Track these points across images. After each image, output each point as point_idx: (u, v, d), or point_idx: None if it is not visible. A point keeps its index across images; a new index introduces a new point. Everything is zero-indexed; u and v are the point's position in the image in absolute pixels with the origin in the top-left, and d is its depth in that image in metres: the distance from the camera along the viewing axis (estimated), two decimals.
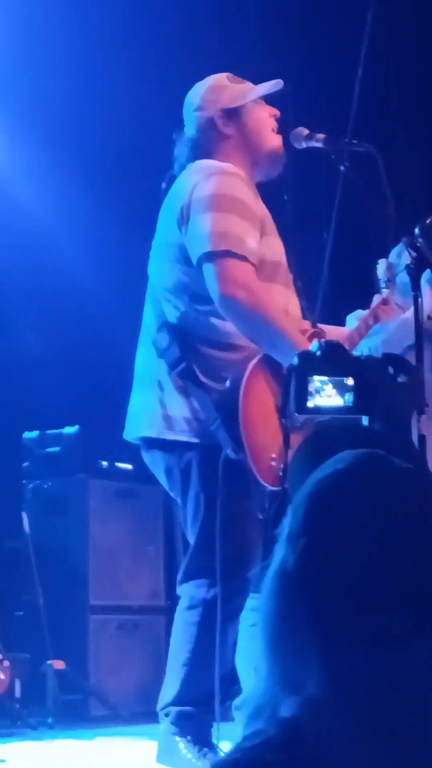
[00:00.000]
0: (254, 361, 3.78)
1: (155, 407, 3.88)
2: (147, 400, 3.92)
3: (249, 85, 4.10)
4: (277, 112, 4.10)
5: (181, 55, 6.28)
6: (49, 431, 6.64)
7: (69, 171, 6.79)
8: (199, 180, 3.88)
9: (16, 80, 6.73)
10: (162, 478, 3.96)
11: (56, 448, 6.60)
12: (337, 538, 1.42)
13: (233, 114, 4.03)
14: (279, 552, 1.46)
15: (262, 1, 6.73)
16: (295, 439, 3.72)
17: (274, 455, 3.74)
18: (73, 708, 6.13)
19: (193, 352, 3.82)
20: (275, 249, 3.96)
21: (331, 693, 1.43)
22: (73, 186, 6.80)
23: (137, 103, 6.64)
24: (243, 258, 3.75)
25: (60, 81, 6.65)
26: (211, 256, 3.74)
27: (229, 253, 3.74)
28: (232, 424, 3.73)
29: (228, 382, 3.77)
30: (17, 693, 5.76)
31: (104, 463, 6.63)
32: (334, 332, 4.17)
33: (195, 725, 3.84)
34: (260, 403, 3.77)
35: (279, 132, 4.09)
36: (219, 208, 3.80)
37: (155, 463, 3.95)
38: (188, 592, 3.89)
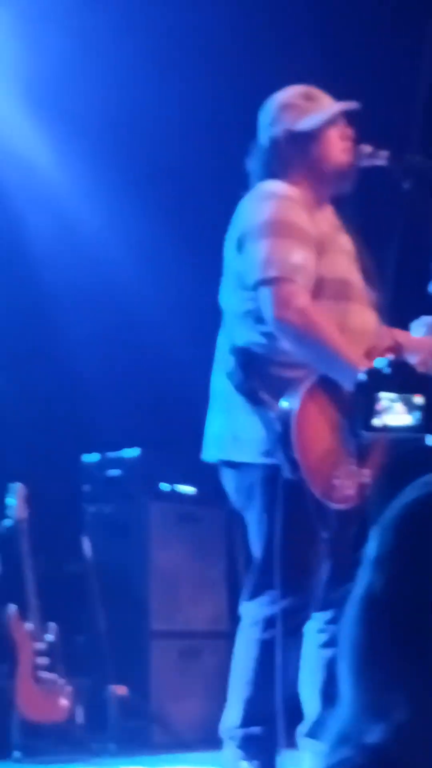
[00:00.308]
0: (310, 380, 3.79)
1: (224, 429, 3.96)
2: (218, 422, 4.00)
3: (323, 103, 4.07)
4: (350, 131, 4.07)
5: (243, 69, 6.30)
6: (110, 454, 6.64)
7: (132, 190, 6.81)
8: (254, 207, 3.95)
9: (72, 96, 6.77)
10: (233, 498, 3.99)
11: (117, 472, 6.59)
12: (427, 563, 1.39)
13: (300, 136, 4.02)
14: (364, 576, 1.43)
15: (322, 14, 6.70)
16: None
17: (336, 473, 3.75)
18: (135, 734, 6.11)
19: (257, 374, 3.87)
20: (337, 267, 3.98)
21: (418, 719, 1.40)
22: (136, 205, 6.81)
23: (205, 117, 6.65)
24: (295, 281, 3.81)
25: (120, 96, 6.67)
26: (264, 282, 3.81)
27: (281, 278, 3.80)
28: (287, 444, 3.74)
29: (284, 402, 3.78)
30: (79, 719, 5.74)
31: (165, 487, 6.61)
32: (421, 343, 4.14)
33: (262, 748, 3.81)
34: (318, 421, 3.80)
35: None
36: (271, 233, 3.86)
37: (227, 482, 4.01)
38: (251, 610, 3.90)
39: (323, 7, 6.64)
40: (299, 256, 3.85)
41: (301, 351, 3.79)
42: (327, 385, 3.81)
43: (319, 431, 3.79)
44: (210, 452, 4.04)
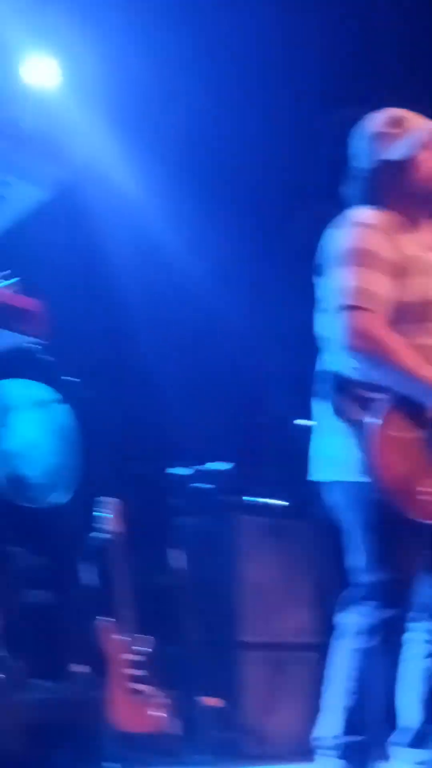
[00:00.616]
0: (388, 399, 3.85)
1: (324, 450, 4.04)
2: (318, 444, 4.08)
3: (412, 126, 4.09)
4: None
5: (331, 88, 6.32)
6: (201, 468, 6.71)
7: (217, 209, 6.87)
8: (337, 234, 4.02)
9: (157, 114, 6.84)
10: (337, 515, 4.06)
11: (209, 485, 6.66)
12: None
13: (392, 164, 4.07)
14: None
15: (404, 25, 6.74)
16: None
17: (422, 488, 3.79)
18: (228, 746, 6.15)
19: (350, 396, 3.91)
20: (419, 289, 4.00)
21: None
22: (220, 223, 6.87)
23: (296, 137, 6.69)
24: (368, 309, 3.86)
25: (206, 115, 6.74)
26: (340, 311, 3.88)
27: (355, 307, 3.86)
28: (369, 462, 3.80)
29: (364, 421, 3.83)
30: (174, 730, 5.79)
31: (255, 500, 6.67)
32: None
33: (361, 757, 3.83)
34: (397, 438, 3.84)
35: None
36: (349, 262, 3.92)
37: (331, 501, 4.09)
38: (348, 620, 3.94)
39: (404, 24, 6.67)
40: (376, 285, 3.90)
41: (377, 376, 3.86)
42: (406, 402, 3.85)
43: (399, 448, 3.82)
44: (314, 473, 4.11)
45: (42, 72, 6.81)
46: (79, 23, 6.65)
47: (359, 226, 3.99)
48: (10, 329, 5.21)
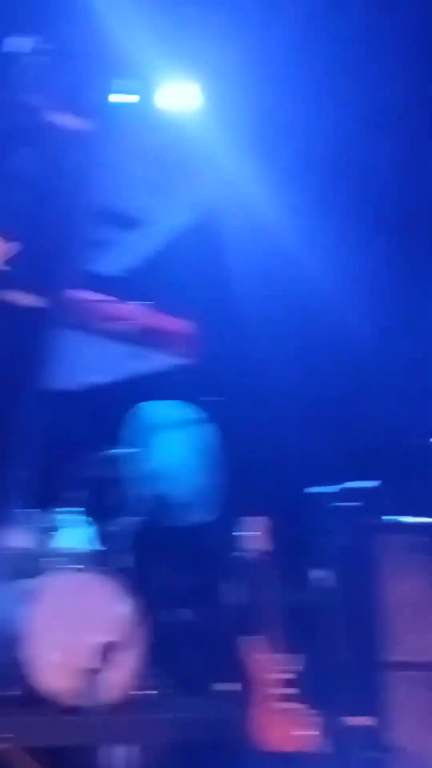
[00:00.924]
0: None
1: None
2: None
3: None
4: None
5: None
6: (348, 486, 6.69)
7: (363, 234, 6.87)
8: None
9: (300, 138, 6.86)
10: None
11: (355, 503, 6.64)
12: None
13: None
14: None
15: None
16: None
17: None
18: (376, 765, 6.10)
19: None
20: None
21: None
22: (367, 247, 6.87)
23: None
24: None
25: (352, 139, 6.75)
26: None
27: None
28: None
29: None
30: (322, 749, 5.78)
31: (403, 518, 6.62)
32: None
33: None
34: None
35: None
36: None
37: None
38: None
39: None
40: None
41: None
42: None
43: None
44: None
45: (184, 96, 6.89)
46: (219, 48, 6.71)
47: None
48: (158, 350, 5.28)
